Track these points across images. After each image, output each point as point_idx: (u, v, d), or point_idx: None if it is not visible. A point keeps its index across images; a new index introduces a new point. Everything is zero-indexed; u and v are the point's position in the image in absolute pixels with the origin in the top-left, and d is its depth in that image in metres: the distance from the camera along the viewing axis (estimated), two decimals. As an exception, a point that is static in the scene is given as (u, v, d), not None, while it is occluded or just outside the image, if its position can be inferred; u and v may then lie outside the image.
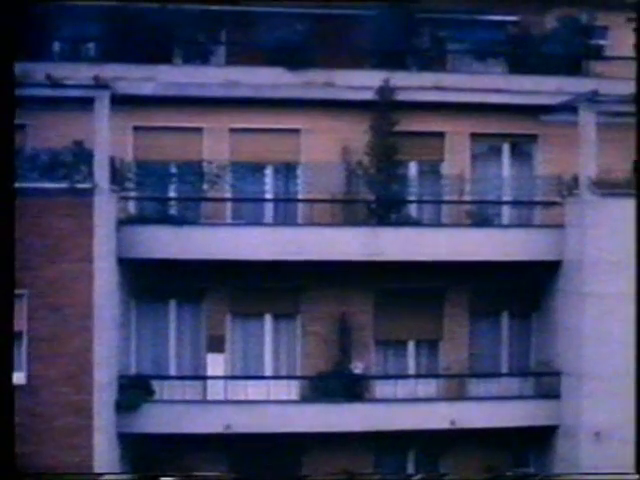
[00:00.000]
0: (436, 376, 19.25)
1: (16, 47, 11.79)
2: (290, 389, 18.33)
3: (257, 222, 18.59)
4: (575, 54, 20.31)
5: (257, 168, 18.71)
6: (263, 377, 18.62)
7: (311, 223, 18.41)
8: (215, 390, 17.99)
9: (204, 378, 18.29)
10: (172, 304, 18.57)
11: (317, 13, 19.28)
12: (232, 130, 18.60)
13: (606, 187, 18.17)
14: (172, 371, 18.57)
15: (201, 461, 17.67)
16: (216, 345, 18.40)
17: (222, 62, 19.74)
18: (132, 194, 17.86)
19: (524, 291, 19.56)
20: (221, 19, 19.19)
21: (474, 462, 18.82)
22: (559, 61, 20.10)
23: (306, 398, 18.29)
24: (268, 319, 18.86)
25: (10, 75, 11.12)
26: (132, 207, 18.10)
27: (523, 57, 20.20)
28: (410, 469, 19.28)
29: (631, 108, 19.25)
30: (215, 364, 18.27)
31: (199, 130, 18.53)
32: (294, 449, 18.28)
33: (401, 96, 18.74)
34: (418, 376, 19.25)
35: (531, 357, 19.88)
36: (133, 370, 18.20)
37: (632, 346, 18.12)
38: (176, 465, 17.45)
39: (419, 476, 18.49)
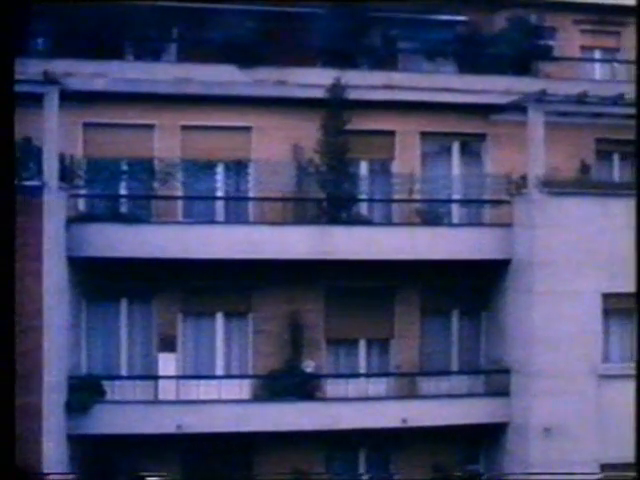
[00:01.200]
0: (387, 375, 19.87)
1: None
2: (242, 388, 18.82)
3: (208, 220, 18.99)
4: (524, 54, 21.05)
5: (208, 166, 19.17)
6: (215, 377, 19.02)
7: (262, 221, 18.82)
8: (166, 390, 18.38)
9: (155, 378, 18.64)
10: (123, 303, 18.94)
11: (268, 11, 19.74)
12: (183, 127, 19.04)
13: (554, 186, 18.90)
14: (123, 371, 18.89)
15: (153, 462, 17.96)
16: (167, 344, 18.80)
17: (173, 59, 20.07)
18: (82, 192, 18.15)
19: (474, 290, 20.29)
20: (172, 16, 19.51)
21: (425, 460, 19.50)
22: (508, 61, 20.93)
23: (258, 397, 18.76)
24: (219, 318, 19.32)
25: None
26: (82, 205, 18.34)
27: (473, 57, 20.98)
28: (361, 468, 19.85)
29: (578, 108, 20.45)
30: (166, 364, 18.63)
31: (150, 127, 18.93)
32: (246, 449, 18.75)
33: (352, 95, 19.26)
34: (369, 375, 19.82)
35: (481, 355, 20.58)
36: (83, 370, 18.46)
37: (580, 344, 19.11)
38: (128, 466, 17.88)
39: (367, 476, 19.29)
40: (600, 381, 18.98)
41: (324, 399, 19.02)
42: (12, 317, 11.34)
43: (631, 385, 19.25)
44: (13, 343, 11.08)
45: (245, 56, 19.02)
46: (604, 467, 18.98)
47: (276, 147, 19.21)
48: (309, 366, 19.13)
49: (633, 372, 19.45)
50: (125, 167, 18.60)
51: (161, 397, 18.39)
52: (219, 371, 19.29)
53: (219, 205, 19.36)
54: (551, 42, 22.43)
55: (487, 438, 19.97)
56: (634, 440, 16.98)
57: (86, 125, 18.47)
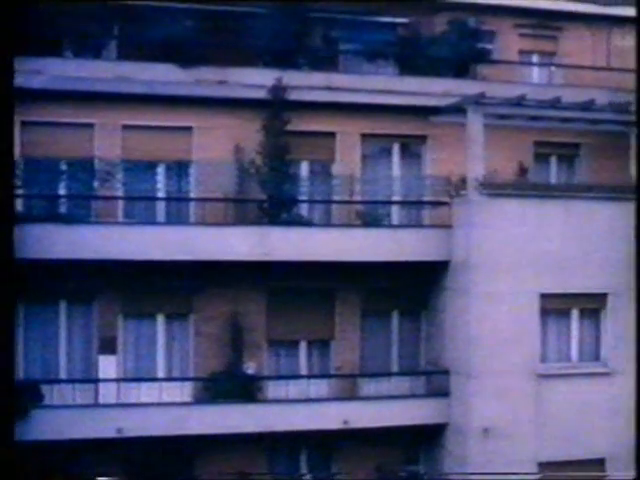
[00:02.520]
0: (328, 376, 20.38)
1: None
2: (183, 391, 19.09)
3: (149, 221, 19.24)
4: (463, 57, 21.79)
5: (149, 166, 19.42)
6: (156, 379, 19.30)
7: (203, 222, 19.22)
8: (107, 393, 18.56)
9: (95, 381, 18.80)
10: (62, 305, 19.10)
11: (210, 10, 19.99)
12: (124, 127, 19.32)
13: (493, 188, 19.56)
14: (62, 374, 18.98)
15: (93, 466, 18.08)
16: (108, 347, 19.02)
17: (114, 57, 20.23)
18: (20, 192, 18.12)
19: (414, 291, 20.90)
20: (113, 13, 19.66)
21: (366, 460, 20.03)
22: (448, 63, 21.64)
23: (199, 400, 19.06)
24: (161, 320, 19.67)
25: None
26: (20, 205, 18.30)
27: (413, 59, 21.61)
28: (303, 469, 20.30)
29: (516, 111, 21.26)
30: (107, 366, 18.86)
31: (90, 126, 19.14)
32: (187, 451, 19.00)
33: (293, 95, 19.79)
34: (310, 376, 20.30)
35: (421, 356, 21.24)
36: (21, 374, 18.51)
37: (518, 344, 19.85)
38: (67, 472, 18.00)
39: (309, 476, 19.82)
40: (538, 381, 19.67)
41: (265, 401, 19.42)
42: (12, 319, 11.59)
43: (567, 384, 20.69)
44: (12, 345, 11.31)
45: (186, 55, 19.35)
46: (542, 465, 19.67)
47: (217, 148, 19.60)
48: (250, 368, 19.54)
49: (570, 372, 20.77)
50: (64, 167, 18.69)
51: (101, 400, 18.56)
52: (160, 373, 19.58)
53: (160, 206, 19.61)
54: (490, 45, 23.14)
55: (427, 439, 20.55)
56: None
57: (24, 124, 18.52)
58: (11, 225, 11.85)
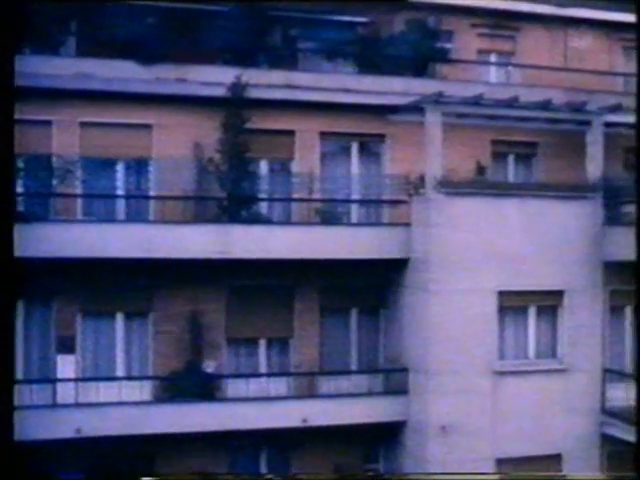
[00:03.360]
0: (287, 374, 20.58)
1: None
2: (142, 390, 19.12)
3: (108, 219, 19.31)
4: (422, 56, 22.05)
5: (108, 163, 19.50)
6: (115, 378, 19.32)
7: (162, 220, 19.21)
8: (65, 393, 18.52)
9: (53, 381, 18.79)
10: (20, 304, 18.95)
11: (169, 7, 20.10)
12: (82, 124, 19.34)
13: (451, 186, 19.86)
14: (19, 374, 18.79)
15: (52, 467, 18.09)
16: (66, 346, 19.03)
17: (72, 53, 20.24)
18: None
19: (373, 289, 21.20)
20: (71, 9, 19.65)
21: (326, 459, 20.25)
22: (407, 63, 21.89)
23: (158, 399, 19.14)
24: (120, 318, 19.72)
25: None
26: None
27: (372, 58, 21.81)
28: (263, 467, 20.46)
29: (474, 110, 21.61)
30: (65, 366, 18.86)
31: (48, 123, 19.06)
32: (147, 451, 19.04)
33: (252, 93, 19.91)
34: (269, 374, 20.48)
35: (380, 354, 21.49)
36: (-23, 374, 18.76)
37: (476, 341, 20.14)
38: (25, 474, 18.04)
39: (270, 476, 20.01)
40: (495, 378, 20.00)
41: (225, 399, 19.54)
42: (12, 319, 11.59)
43: (524, 381, 21.09)
44: (12, 345, 11.32)
45: (146, 53, 19.35)
46: (500, 462, 20.00)
47: (177, 145, 19.69)
48: (209, 366, 19.66)
49: (527, 369, 21.20)
50: (21, 164, 18.53)
51: (59, 401, 18.49)
52: (119, 372, 19.60)
53: (119, 203, 19.66)
54: (449, 45, 23.52)
55: (386, 437, 20.83)
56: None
57: (-21, 121, 18.66)
58: (11, 225, 11.93)
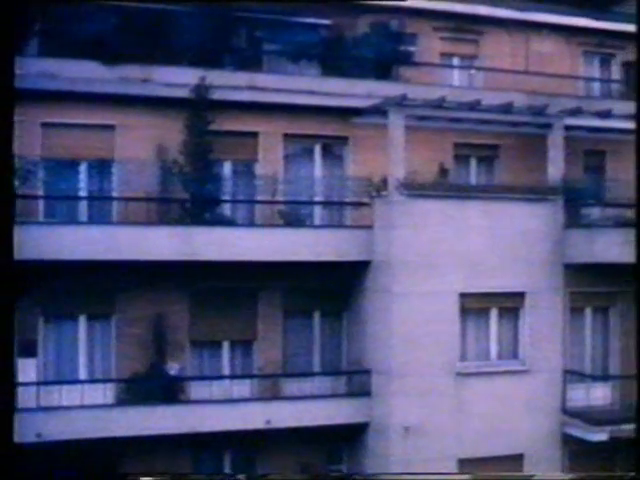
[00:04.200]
0: (251, 376, 20.60)
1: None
2: (105, 393, 19.03)
3: (71, 221, 19.21)
4: (385, 59, 22.32)
5: (71, 164, 19.41)
6: (77, 381, 19.15)
7: (126, 222, 19.23)
8: (26, 397, 18.23)
9: (14, 385, 18.34)
10: (-22, 308, 19.11)
11: (133, 7, 20.05)
12: (44, 124, 19.21)
13: (413, 189, 19.99)
14: None
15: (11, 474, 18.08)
16: (27, 349, 18.78)
17: (35, 53, 19.98)
18: None
19: (335, 290, 21.25)
20: (35, 9, 19.46)
21: (289, 460, 20.29)
22: (370, 65, 22.10)
23: (121, 401, 19.03)
24: (82, 321, 19.61)
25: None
26: None
27: (336, 60, 22.03)
28: (227, 470, 20.42)
29: (437, 113, 21.79)
30: (26, 369, 18.61)
31: (9, 124, 19.21)
32: (110, 454, 18.93)
33: (216, 95, 19.91)
34: (233, 377, 20.52)
35: (343, 356, 21.57)
36: None
37: (438, 343, 20.35)
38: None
39: (242, 476, 20.01)
40: (457, 379, 20.22)
41: (188, 401, 19.51)
42: (12, 319, 11.54)
43: (486, 382, 21.34)
44: (12, 345, 11.25)
45: (109, 53, 19.29)
46: (462, 462, 20.21)
47: (140, 146, 19.69)
48: (173, 369, 19.60)
49: (489, 370, 21.44)
50: (-20, 165, 18.64)
51: (20, 405, 18.07)
52: (82, 375, 19.45)
53: (82, 205, 19.58)
54: (412, 48, 23.74)
55: (350, 438, 20.91)
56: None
57: (-61, 122, 18.47)
58: (11, 225, 11.92)
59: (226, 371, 20.68)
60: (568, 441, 21.17)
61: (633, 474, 15.74)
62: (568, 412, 21.10)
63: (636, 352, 19.63)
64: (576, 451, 21.35)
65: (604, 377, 22.11)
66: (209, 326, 20.34)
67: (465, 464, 20.23)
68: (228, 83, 20.26)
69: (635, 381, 18.95)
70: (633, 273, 18.91)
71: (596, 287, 21.70)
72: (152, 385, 19.18)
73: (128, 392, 19.15)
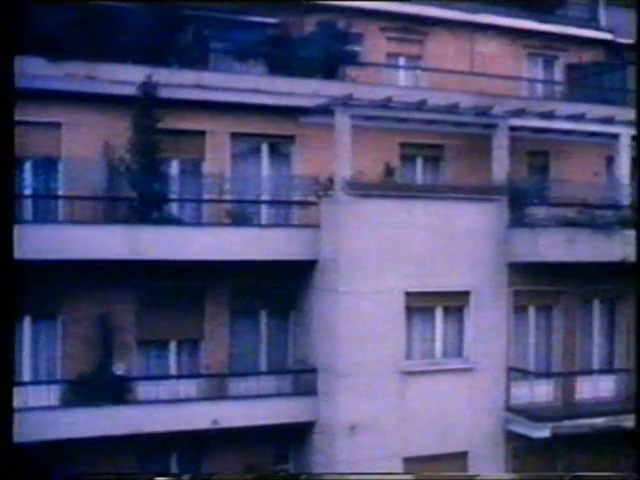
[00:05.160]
0: (197, 376, 20.56)
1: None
2: (50, 394, 18.79)
3: (15, 219, 18.17)
4: (332, 58, 22.44)
5: (16, 163, 18.84)
6: (21, 383, 18.80)
7: (72, 221, 19.01)
8: None
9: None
10: None
11: (80, 4, 19.90)
12: (-12, 122, 19.20)
13: (360, 188, 20.13)
14: None
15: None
16: None
17: None
18: None
19: (282, 290, 21.35)
20: None
21: (236, 460, 20.32)
22: (317, 65, 22.22)
23: (67, 403, 18.82)
24: (27, 321, 19.34)
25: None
26: None
27: (282, 59, 22.11)
28: (174, 470, 20.36)
29: (383, 113, 21.94)
30: None
31: (-49, 121, 18.91)
32: (55, 456, 18.60)
33: (164, 93, 19.80)
34: (180, 376, 20.45)
35: (289, 355, 21.68)
36: None
37: (384, 342, 20.47)
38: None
39: (187, 476, 20.00)
40: (403, 378, 20.40)
41: (135, 402, 19.39)
42: (12, 319, 11.43)
43: (431, 381, 21.56)
44: (12, 345, 11.16)
45: (55, 49, 19.06)
46: (407, 461, 20.38)
47: (86, 144, 19.50)
48: (119, 369, 19.49)
49: (434, 368, 21.68)
50: None
51: None
52: (26, 377, 19.18)
53: (27, 203, 19.28)
54: (358, 48, 24.00)
55: (296, 437, 21.03)
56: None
57: None
58: (11, 226, 11.82)
59: (173, 371, 20.58)
60: (511, 438, 21.44)
61: (633, 475, 15.92)
62: (511, 409, 21.40)
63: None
64: (519, 448, 21.64)
65: (547, 374, 22.47)
66: (156, 326, 20.23)
67: (410, 462, 20.37)
68: (175, 81, 20.23)
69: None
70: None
71: (540, 286, 22.07)
72: (98, 386, 18.96)
73: (74, 393, 18.90)
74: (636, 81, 20.29)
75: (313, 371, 20.67)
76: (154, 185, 19.71)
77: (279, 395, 20.77)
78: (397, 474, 20.00)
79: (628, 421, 21.70)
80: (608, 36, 28.26)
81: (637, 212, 19.95)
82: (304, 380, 20.81)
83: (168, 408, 19.60)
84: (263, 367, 21.47)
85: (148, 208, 19.61)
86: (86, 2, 19.68)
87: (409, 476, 19.49)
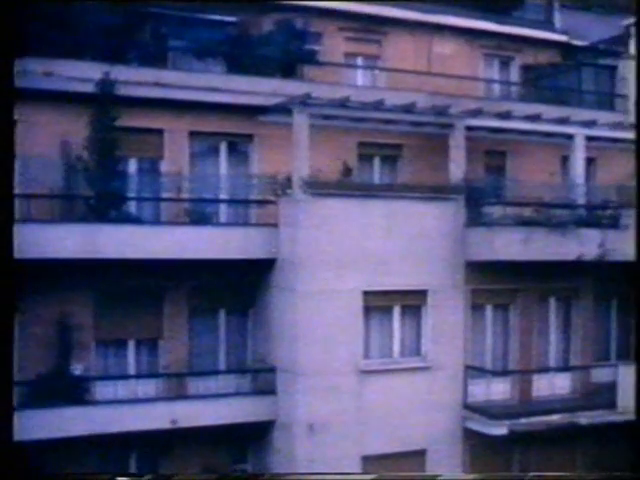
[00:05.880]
0: (156, 375, 20.45)
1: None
2: (7, 395, 18.95)
3: None
4: (290, 57, 22.50)
5: None
6: None
7: (28, 219, 18.65)
8: None
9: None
10: None
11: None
12: (-60, 120, 18.93)
13: (317, 187, 20.14)
14: None
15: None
16: None
17: None
18: None
19: (241, 289, 21.34)
20: None
21: (195, 460, 20.23)
22: (275, 64, 22.27)
23: (24, 404, 18.39)
24: (-18, 322, 19.42)
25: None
26: None
27: (241, 58, 22.09)
28: (133, 470, 20.17)
29: (341, 112, 22.05)
30: None
31: None
32: (12, 458, 18.58)
33: (121, 91, 19.68)
34: (138, 376, 20.32)
35: (248, 354, 21.62)
36: None
37: (342, 341, 20.52)
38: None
39: (148, 476, 19.88)
40: (361, 377, 20.48)
41: (93, 402, 19.23)
42: (12, 319, 11.40)
43: (389, 380, 21.70)
44: (12, 345, 11.13)
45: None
46: (366, 459, 20.48)
47: (43, 142, 19.19)
48: (77, 369, 19.33)
49: (392, 367, 21.78)
50: None
51: None
52: (-18, 378, 19.25)
53: (-20, 203, 19.30)
54: (317, 47, 24.01)
55: (255, 437, 20.97)
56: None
57: None
58: (11, 226, 11.75)
59: (131, 370, 20.42)
60: (469, 436, 21.64)
61: (634, 475, 16.03)
62: (469, 407, 21.59)
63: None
64: (476, 445, 21.83)
65: (504, 372, 22.67)
66: (114, 325, 20.07)
67: (369, 461, 20.46)
68: (133, 79, 20.11)
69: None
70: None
71: (497, 284, 22.28)
72: (56, 386, 18.78)
73: (31, 394, 18.66)
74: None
75: (272, 370, 20.60)
76: (112, 183, 19.54)
77: (238, 394, 20.71)
78: (359, 474, 20.02)
79: (583, 418, 22.17)
80: (563, 38, 28.53)
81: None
82: (263, 379, 20.78)
83: (126, 408, 19.40)
84: (222, 366, 21.42)
85: (106, 206, 19.45)
86: (43, -2, 19.57)
87: (371, 475, 19.57)
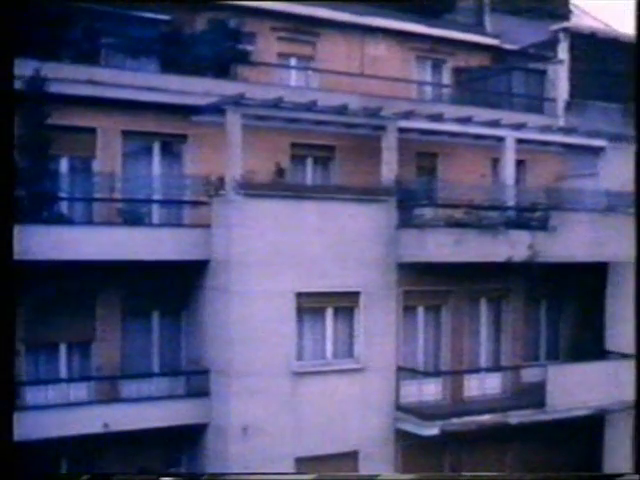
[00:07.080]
0: (88, 379, 20.19)
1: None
2: None
3: None
4: (223, 57, 22.40)
5: None
6: None
7: None
8: None
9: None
10: None
11: None
12: None
13: (250, 188, 20.11)
14: None
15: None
16: None
17: None
18: None
19: (174, 290, 21.16)
20: None
21: (128, 464, 19.85)
22: (209, 63, 22.13)
23: None
24: None
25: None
26: None
27: (175, 57, 21.90)
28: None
29: (274, 113, 22.07)
30: None
31: None
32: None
33: (53, 88, 19.37)
34: (70, 380, 20.03)
35: (182, 356, 21.50)
36: None
37: (275, 342, 20.51)
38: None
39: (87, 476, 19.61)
40: (294, 378, 20.54)
41: (23, 407, 18.73)
42: (12, 319, 11.21)
43: (322, 381, 21.81)
44: (12, 345, 10.95)
45: None
46: (299, 461, 20.54)
47: (-29, 140, 19.07)
48: (7, 373, 19.30)
49: (325, 369, 21.87)
50: None
51: None
52: None
53: None
54: (250, 47, 23.93)
55: (189, 439, 20.81)
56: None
57: None
58: (11, 226, 11.53)
59: (63, 374, 20.11)
60: (401, 436, 21.78)
61: (633, 475, 16.16)
62: (401, 408, 21.74)
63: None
64: (408, 446, 21.99)
65: (436, 373, 22.93)
66: (45, 328, 19.74)
67: (302, 463, 20.50)
68: (65, 76, 19.80)
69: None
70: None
71: (429, 286, 22.49)
72: (-15, 391, 18.62)
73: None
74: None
75: (205, 372, 20.50)
76: (43, 183, 19.25)
77: (171, 397, 20.54)
78: (297, 474, 20.12)
79: (514, 417, 22.60)
80: (494, 41, 28.93)
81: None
82: (197, 381, 20.64)
83: (58, 413, 19.08)
84: (155, 368, 21.22)
85: (37, 207, 19.13)
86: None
87: (310, 476, 19.70)
